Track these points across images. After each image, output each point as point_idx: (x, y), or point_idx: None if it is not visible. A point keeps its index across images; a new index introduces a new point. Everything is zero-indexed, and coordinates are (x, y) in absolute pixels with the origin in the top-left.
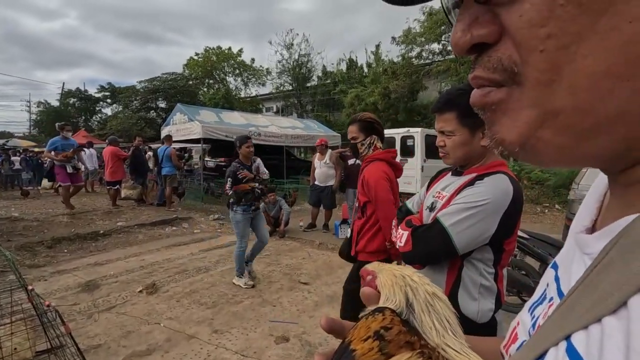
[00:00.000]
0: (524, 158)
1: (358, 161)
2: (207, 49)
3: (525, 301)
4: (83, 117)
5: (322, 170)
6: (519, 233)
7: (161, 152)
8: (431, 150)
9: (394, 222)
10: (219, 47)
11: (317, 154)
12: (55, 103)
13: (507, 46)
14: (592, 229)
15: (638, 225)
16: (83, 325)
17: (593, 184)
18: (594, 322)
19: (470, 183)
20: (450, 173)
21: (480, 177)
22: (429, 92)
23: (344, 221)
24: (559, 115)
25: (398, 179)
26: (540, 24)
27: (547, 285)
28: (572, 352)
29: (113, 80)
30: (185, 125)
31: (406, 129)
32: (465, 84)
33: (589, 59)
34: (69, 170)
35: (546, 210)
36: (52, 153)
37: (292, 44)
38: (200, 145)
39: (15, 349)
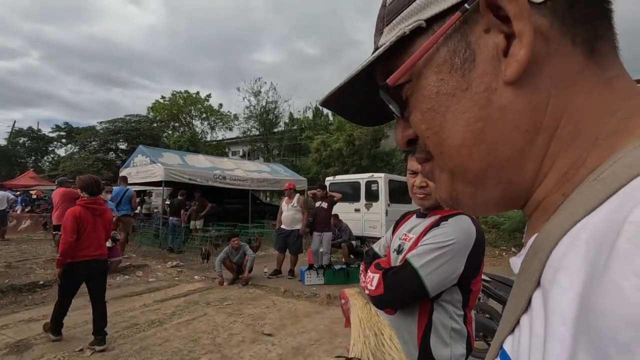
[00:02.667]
0: (458, 207)
1: (323, 204)
2: (175, 92)
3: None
4: (33, 158)
5: (290, 213)
6: (482, 276)
7: (118, 194)
8: (395, 195)
9: (362, 266)
10: (186, 91)
11: (285, 198)
12: (3, 142)
13: (420, 138)
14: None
15: (535, 240)
16: None
17: None
18: (515, 324)
19: (436, 224)
20: (415, 215)
21: (444, 219)
22: (390, 140)
23: (311, 267)
24: (455, 173)
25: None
26: (420, 123)
27: None
28: (503, 356)
29: (71, 120)
30: (146, 167)
31: (370, 174)
32: None
33: (450, 137)
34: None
35: (504, 253)
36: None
37: (259, 92)
38: (160, 188)
39: None
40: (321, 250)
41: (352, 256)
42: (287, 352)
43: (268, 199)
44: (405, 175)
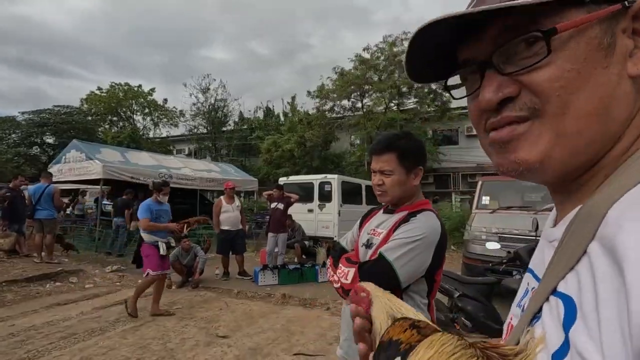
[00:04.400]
0: (538, 173)
1: (279, 205)
2: (114, 84)
3: None
4: None
5: (234, 214)
6: None
7: (36, 191)
8: (347, 196)
9: (329, 261)
10: (127, 84)
11: (224, 198)
12: None
13: (527, 95)
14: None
15: (583, 208)
16: None
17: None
18: (569, 271)
19: (405, 220)
20: (381, 211)
21: (412, 214)
22: (340, 143)
23: (265, 267)
24: (566, 136)
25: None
26: (556, 80)
27: (527, 283)
28: (560, 295)
29: None
30: (81, 164)
31: (323, 175)
32: (399, 132)
33: (584, 101)
34: (162, 251)
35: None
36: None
37: (208, 89)
38: (97, 186)
39: None
40: (276, 250)
41: (304, 256)
42: (244, 353)
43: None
44: (356, 177)
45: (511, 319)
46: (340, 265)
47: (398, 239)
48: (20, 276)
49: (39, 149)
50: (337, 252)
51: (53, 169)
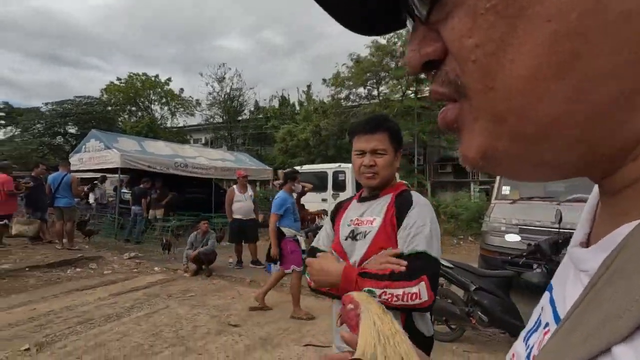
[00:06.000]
0: (492, 170)
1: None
2: (132, 74)
3: (453, 329)
4: None
5: (247, 203)
6: (444, 262)
7: (55, 180)
8: (361, 185)
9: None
10: (144, 74)
11: (237, 187)
12: None
13: (451, 61)
14: (587, 243)
15: (635, 233)
16: None
17: (590, 196)
18: (599, 352)
19: (402, 204)
20: (354, 201)
21: (402, 196)
22: None
23: None
24: (504, 122)
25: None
26: (468, 34)
27: (542, 309)
28: None
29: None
30: (100, 153)
31: (337, 164)
32: (378, 114)
33: (516, 63)
34: (304, 245)
35: (461, 242)
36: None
37: (224, 78)
38: (115, 175)
39: None
40: None
41: None
42: (254, 342)
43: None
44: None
45: (513, 357)
46: (397, 285)
47: (420, 232)
48: (42, 262)
49: (62, 139)
50: (314, 255)
51: (74, 158)
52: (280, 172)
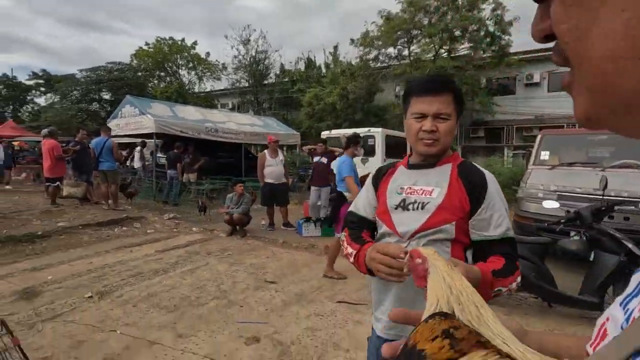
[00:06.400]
0: (598, 129)
1: (323, 159)
2: (159, 39)
3: None
4: (11, 107)
5: (279, 168)
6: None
7: (98, 145)
8: (391, 150)
9: (345, 233)
10: (171, 38)
11: (268, 152)
12: None
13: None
14: None
15: None
16: (24, 337)
17: None
18: None
19: (471, 178)
20: (401, 167)
21: (463, 167)
22: (384, 95)
23: (308, 219)
24: (597, 93)
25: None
26: (561, 21)
27: None
28: None
29: (49, 67)
30: (135, 119)
31: (367, 128)
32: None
33: (597, 46)
34: None
35: None
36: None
37: (249, 40)
38: (151, 140)
39: None
40: (319, 203)
41: None
42: (290, 297)
43: (257, 154)
44: (400, 131)
45: (607, 321)
46: (511, 286)
47: (502, 210)
48: (92, 221)
49: (97, 105)
50: (355, 223)
51: (111, 123)
52: (341, 136)
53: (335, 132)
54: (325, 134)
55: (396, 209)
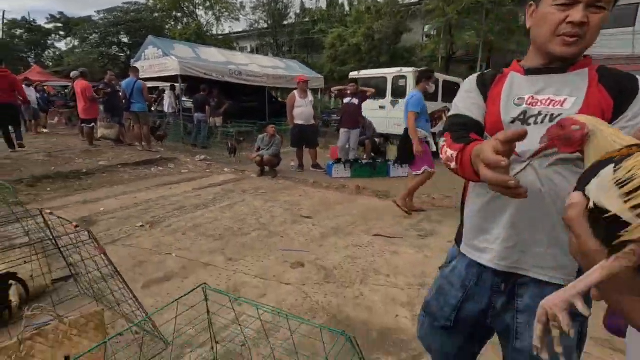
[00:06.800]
0: None
1: (354, 100)
2: None
3: None
4: (34, 52)
5: (308, 109)
6: None
7: (129, 86)
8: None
9: (446, 137)
10: None
11: (298, 92)
12: None
13: None
14: None
15: None
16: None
17: None
18: None
19: (618, 83)
20: (516, 74)
21: (604, 71)
22: (412, 35)
23: (338, 161)
24: None
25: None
26: None
27: None
28: None
29: (65, 10)
30: (159, 61)
31: (398, 68)
32: None
33: None
34: (433, 147)
35: None
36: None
37: None
38: (175, 83)
39: (31, 276)
40: (347, 146)
41: (373, 154)
42: (327, 230)
43: (281, 98)
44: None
45: None
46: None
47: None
48: (129, 160)
49: (117, 49)
50: (460, 125)
51: (135, 65)
52: (412, 70)
53: (364, 73)
54: (353, 74)
55: (513, 122)
